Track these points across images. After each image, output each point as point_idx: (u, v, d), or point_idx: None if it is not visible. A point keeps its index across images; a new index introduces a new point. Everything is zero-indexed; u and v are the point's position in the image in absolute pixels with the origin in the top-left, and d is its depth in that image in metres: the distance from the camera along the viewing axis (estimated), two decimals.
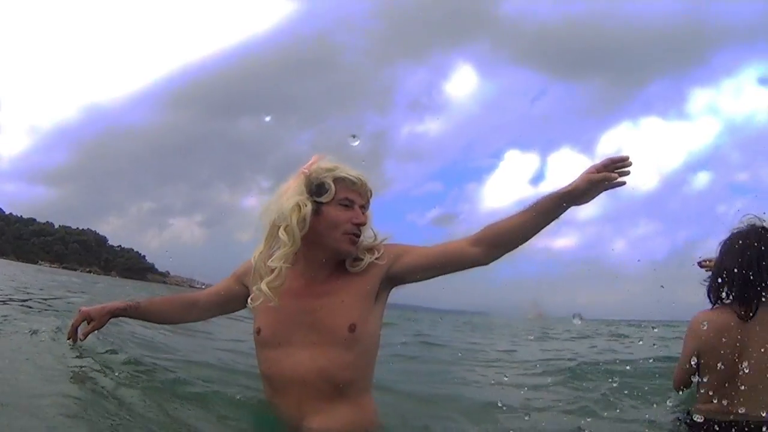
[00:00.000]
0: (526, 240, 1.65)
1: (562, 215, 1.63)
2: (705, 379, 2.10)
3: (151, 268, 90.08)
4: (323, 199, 1.59)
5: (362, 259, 1.65)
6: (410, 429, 2.13)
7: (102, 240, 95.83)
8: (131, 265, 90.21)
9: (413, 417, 2.23)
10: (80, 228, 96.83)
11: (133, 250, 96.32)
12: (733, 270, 2.02)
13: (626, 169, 1.59)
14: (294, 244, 1.56)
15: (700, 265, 2.32)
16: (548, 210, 1.61)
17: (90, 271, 71.25)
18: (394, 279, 1.69)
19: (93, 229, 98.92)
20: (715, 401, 2.03)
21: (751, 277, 2.00)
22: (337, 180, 1.61)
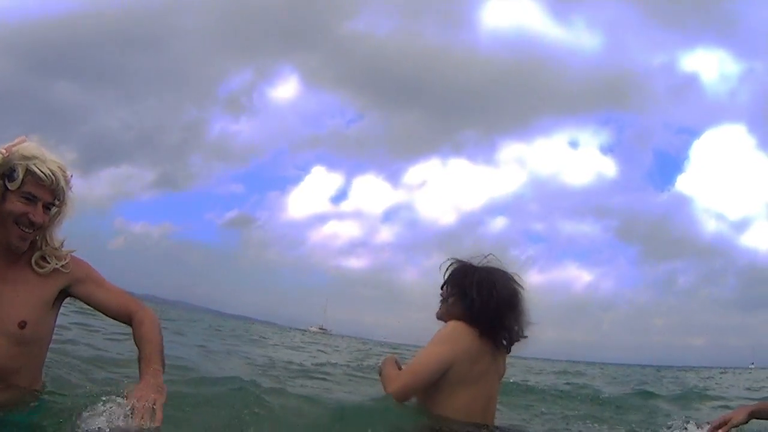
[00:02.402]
0: None
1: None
2: (457, 399, 2.09)
3: None
4: (11, 186, 1.55)
5: (49, 263, 1.67)
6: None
7: None
8: None
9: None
10: None
11: None
12: (495, 306, 2.14)
13: None
14: None
15: None
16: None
17: None
18: (72, 295, 1.76)
19: None
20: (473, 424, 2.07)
21: (506, 317, 2.16)
22: (28, 171, 1.56)
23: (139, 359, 1.66)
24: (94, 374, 2.86)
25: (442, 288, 2.32)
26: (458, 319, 2.17)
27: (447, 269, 2.30)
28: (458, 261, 2.30)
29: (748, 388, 9.43)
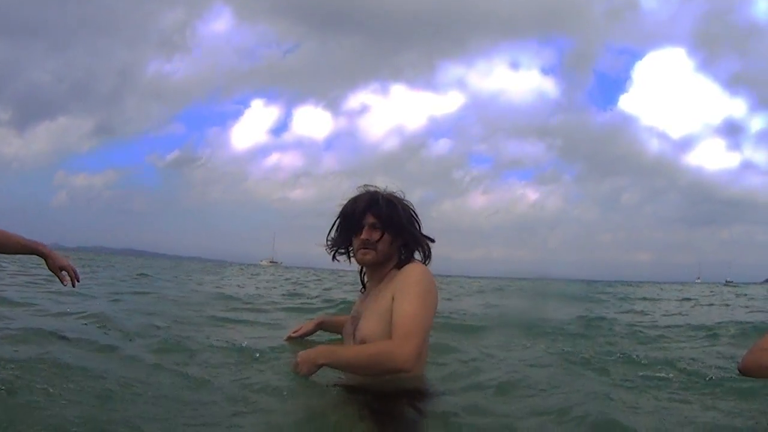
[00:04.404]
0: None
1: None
2: (427, 343, 1.98)
3: None
4: None
5: None
6: None
7: None
8: None
9: None
10: None
11: None
12: (421, 234, 2.05)
13: None
14: None
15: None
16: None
17: None
18: None
19: None
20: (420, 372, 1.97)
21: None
22: None
23: (17, 246, 1.92)
24: None
25: (357, 228, 2.01)
26: (398, 258, 2.03)
27: (364, 206, 2.00)
28: (366, 195, 2.03)
29: (683, 299, 10.32)
